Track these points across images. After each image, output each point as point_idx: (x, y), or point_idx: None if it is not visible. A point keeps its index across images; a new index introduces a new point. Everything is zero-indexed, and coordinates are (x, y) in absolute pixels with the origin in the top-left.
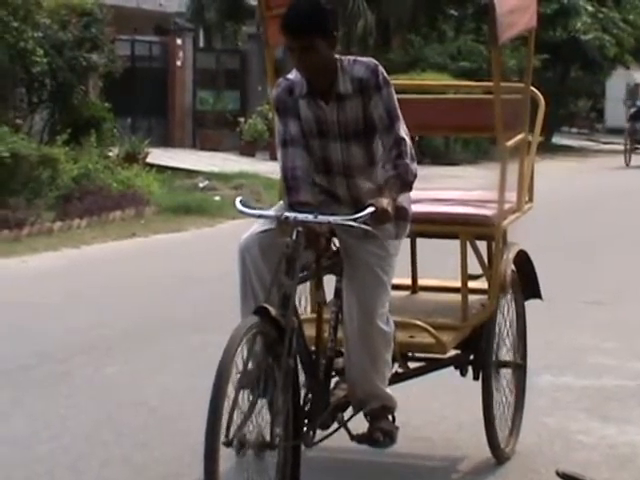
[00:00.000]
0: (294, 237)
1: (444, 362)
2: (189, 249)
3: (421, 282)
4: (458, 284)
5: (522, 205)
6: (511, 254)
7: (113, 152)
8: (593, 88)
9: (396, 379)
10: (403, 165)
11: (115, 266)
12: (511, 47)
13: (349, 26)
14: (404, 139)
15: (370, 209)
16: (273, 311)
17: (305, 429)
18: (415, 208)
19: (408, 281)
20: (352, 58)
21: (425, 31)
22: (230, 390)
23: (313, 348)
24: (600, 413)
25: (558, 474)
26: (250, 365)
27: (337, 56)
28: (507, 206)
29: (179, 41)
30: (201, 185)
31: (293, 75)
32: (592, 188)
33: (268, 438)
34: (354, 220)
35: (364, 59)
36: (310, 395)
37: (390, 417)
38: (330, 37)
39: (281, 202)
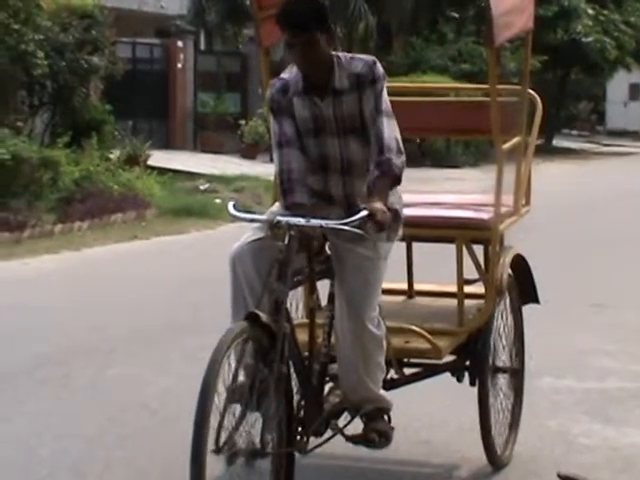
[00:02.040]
0: (286, 241)
1: (440, 368)
2: (190, 252)
3: (417, 287)
4: (454, 289)
5: (519, 208)
6: (508, 258)
7: (114, 154)
8: (594, 90)
9: (391, 385)
10: (385, 161)
11: (116, 268)
12: (511, 49)
13: (350, 28)
14: (384, 132)
15: (364, 212)
16: (264, 317)
17: (299, 436)
18: (411, 212)
19: (404, 286)
20: (350, 55)
21: (426, 33)
22: (221, 394)
23: (306, 354)
24: (602, 415)
25: (560, 477)
26: (241, 373)
27: (334, 52)
28: (504, 209)
29: (180, 43)
30: (202, 188)
31: (287, 74)
32: (593, 190)
33: (259, 445)
34: (347, 224)
35: (363, 56)
36: (303, 402)
37: (385, 417)
38: (329, 32)
39: (275, 205)
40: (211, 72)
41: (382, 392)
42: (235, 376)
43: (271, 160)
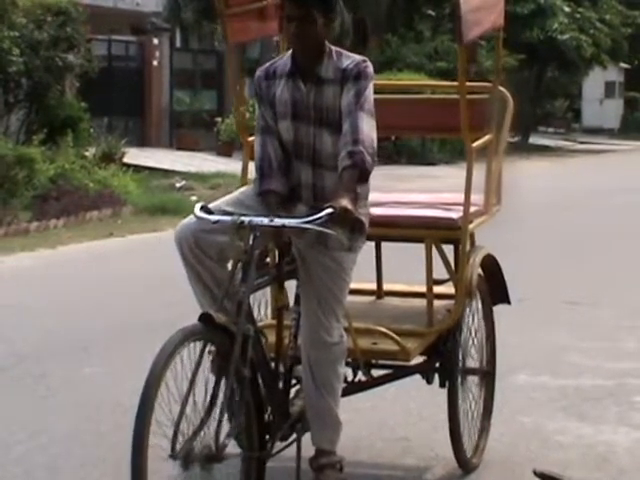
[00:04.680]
0: (250, 242)
1: (410, 369)
2: (166, 249)
3: (387, 287)
4: (424, 289)
5: (490, 208)
6: (478, 258)
7: (90, 152)
8: (570, 88)
9: (359, 388)
10: (359, 154)
11: (92, 266)
12: (487, 47)
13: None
14: (363, 128)
15: (328, 210)
16: (219, 318)
17: (265, 440)
18: (379, 211)
19: (373, 286)
20: (344, 51)
21: (402, 31)
22: (176, 397)
23: (273, 355)
24: (577, 412)
25: (535, 473)
26: (201, 376)
27: (328, 44)
28: (474, 209)
29: (156, 41)
30: (178, 185)
31: (279, 60)
32: (569, 188)
33: (214, 450)
34: (310, 222)
35: (356, 55)
36: (270, 406)
37: (338, 466)
38: (328, 16)
39: (237, 192)
40: (187, 70)
41: (336, 409)
42: (192, 380)
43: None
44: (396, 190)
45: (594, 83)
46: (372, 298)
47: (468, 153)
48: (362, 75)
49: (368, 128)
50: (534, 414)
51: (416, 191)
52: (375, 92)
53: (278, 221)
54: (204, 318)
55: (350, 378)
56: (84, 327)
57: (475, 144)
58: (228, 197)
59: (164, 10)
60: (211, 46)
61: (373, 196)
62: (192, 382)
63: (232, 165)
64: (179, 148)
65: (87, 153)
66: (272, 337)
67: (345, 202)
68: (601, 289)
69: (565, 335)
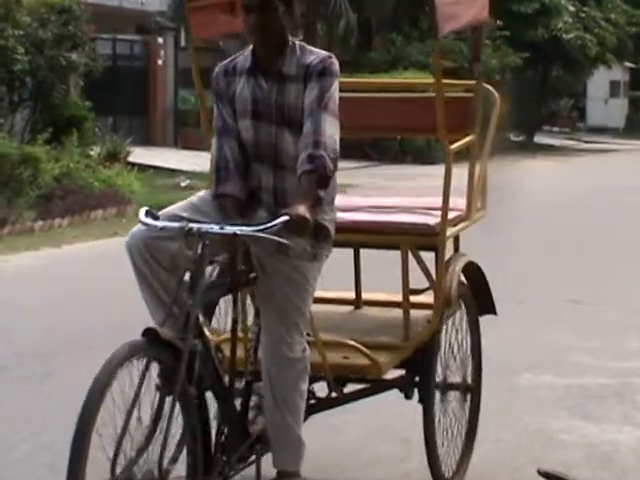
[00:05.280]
0: (199, 251)
1: (387, 384)
2: None
3: (367, 296)
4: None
5: (472, 213)
6: (458, 266)
7: (94, 151)
8: (574, 87)
9: (329, 404)
10: (320, 157)
11: (96, 265)
12: (493, 47)
13: (331, 25)
14: (326, 129)
15: (283, 218)
16: (164, 333)
17: (220, 463)
18: (353, 217)
19: (351, 295)
20: (308, 47)
21: (407, 30)
22: (117, 421)
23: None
24: (581, 412)
25: (540, 473)
26: (145, 396)
27: (291, 38)
28: (454, 214)
29: (160, 40)
30: (183, 184)
31: (240, 56)
32: (574, 187)
33: (157, 475)
34: (264, 230)
35: (321, 51)
36: (225, 426)
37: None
38: (290, 7)
39: (194, 196)
40: (191, 69)
41: (300, 427)
42: (135, 399)
43: None
44: (401, 189)
45: (599, 82)
46: (350, 308)
47: (446, 155)
48: (327, 72)
49: (331, 130)
50: (539, 413)
51: (398, 195)
52: (347, 91)
53: (229, 228)
54: (148, 333)
55: (323, 394)
56: (88, 326)
57: (454, 146)
58: (184, 202)
59: (169, 9)
60: (216, 44)
61: (349, 200)
62: (134, 401)
63: None
64: (184, 147)
65: (92, 152)
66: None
67: (302, 209)
68: (604, 288)
69: (570, 335)
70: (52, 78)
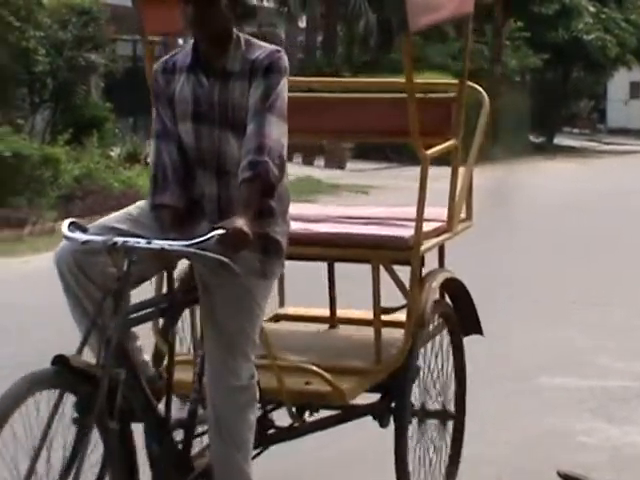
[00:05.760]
0: (124, 267)
1: (359, 410)
2: None
3: (343, 314)
4: (387, 316)
5: (454, 224)
6: (435, 283)
7: (115, 152)
8: (595, 89)
9: (292, 434)
10: (263, 164)
11: None
12: (512, 47)
13: (350, 26)
14: (271, 132)
15: (217, 231)
16: (77, 361)
17: None
18: (319, 228)
19: (326, 312)
20: (255, 40)
21: (426, 31)
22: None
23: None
24: (604, 414)
25: (560, 475)
26: (56, 431)
27: (236, 31)
28: (434, 225)
29: (180, 41)
30: None
31: (181, 52)
32: (594, 189)
33: None
34: (195, 245)
35: (269, 45)
36: (162, 460)
37: None
38: None
39: (132, 206)
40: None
41: (247, 462)
42: (44, 436)
43: None
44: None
45: (619, 84)
46: (324, 327)
47: (422, 161)
48: (274, 68)
49: (277, 133)
50: (560, 415)
51: (375, 204)
52: (330, 91)
53: (157, 243)
54: (59, 361)
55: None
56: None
57: (430, 151)
58: (121, 212)
59: None
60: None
61: (320, 210)
62: (43, 438)
63: None
64: None
65: (112, 153)
66: (184, 375)
67: (240, 222)
68: (623, 290)
69: (591, 336)
70: (72, 79)
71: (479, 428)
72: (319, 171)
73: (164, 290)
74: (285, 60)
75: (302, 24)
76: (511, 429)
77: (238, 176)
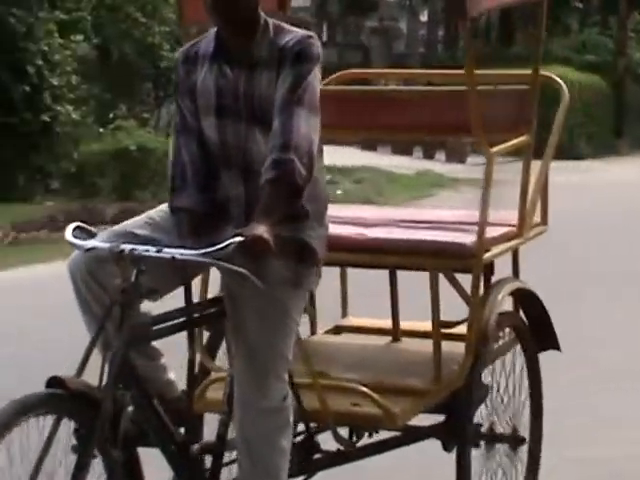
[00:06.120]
0: (133, 277)
1: (420, 433)
2: None
3: (407, 326)
4: (453, 329)
5: (526, 229)
6: (502, 294)
7: None
8: None
9: (341, 459)
10: (288, 162)
11: None
12: (637, 39)
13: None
14: (300, 127)
15: (235, 239)
16: (74, 383)
17: None
18: (374, 233)
19: (389, 324)
20: (286, 25)
21: (549, 24)
22: None
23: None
24: None
25: None
26: (53, 459)
27: (264, 16)
28: (502, 230)
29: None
30: None
31: (203, 39)
32: None
33: None
34: (209, 254)
35: (300, 30)
36: None
37: None
38: None
39: (154, 210)
40: (332, 64)
41: None
42: (38, 466)
43: (392, 152)
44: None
45: None
46: (386, 339)
47: (487, 159)
48: (305, 55)
49: (306, 128)
50: None
51: (437, 207)
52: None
53: (167, 251)
54: (54, 383)
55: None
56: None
57: (496, 148)
58: (142, 216)
59: (311, 5)
60: (357, 40)
61: (377, 213)
62: (37, 468)
63: (376, 159)
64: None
65: None
66: (216, 394)
67: (260, 229)
68: None
69: None
70: None
71: None
72: (440, 165)
73: (208, 297)
74: (317, 46)
75: (424, 18)
76: None
77: (263, 174)
